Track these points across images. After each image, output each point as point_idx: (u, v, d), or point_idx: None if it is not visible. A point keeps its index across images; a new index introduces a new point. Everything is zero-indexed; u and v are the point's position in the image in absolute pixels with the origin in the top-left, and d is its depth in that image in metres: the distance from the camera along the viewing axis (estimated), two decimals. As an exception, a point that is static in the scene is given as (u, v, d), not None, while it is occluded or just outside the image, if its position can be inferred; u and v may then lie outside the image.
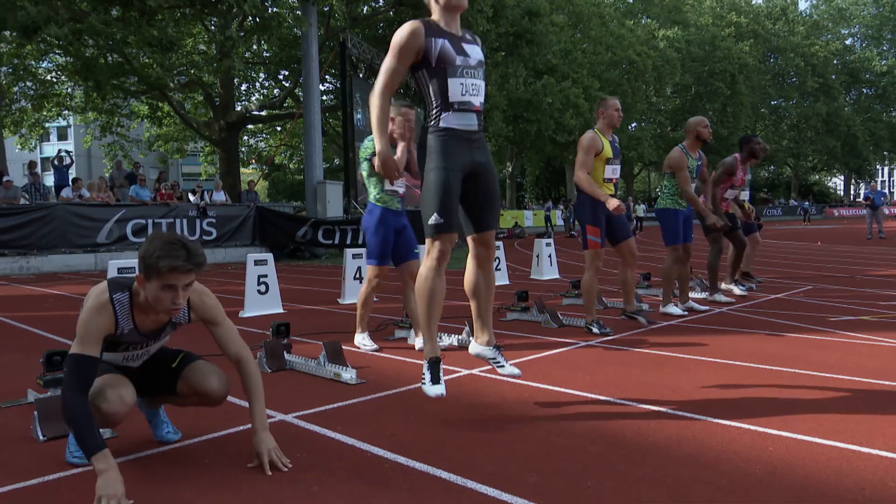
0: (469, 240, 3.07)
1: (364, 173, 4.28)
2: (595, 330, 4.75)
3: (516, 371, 3.02)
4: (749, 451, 2.38)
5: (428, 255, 2.90)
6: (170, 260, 2.06)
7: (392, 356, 4.15)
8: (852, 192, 63.93)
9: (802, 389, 3.20)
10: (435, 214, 2.82)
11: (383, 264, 4.30)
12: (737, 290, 6.74)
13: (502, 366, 3.02)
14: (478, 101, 2.89)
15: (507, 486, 2.09)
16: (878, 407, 2.90)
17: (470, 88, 2.85)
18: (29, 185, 12.92)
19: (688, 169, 5.53)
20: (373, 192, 4.25)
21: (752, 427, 2.64)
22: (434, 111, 2.85)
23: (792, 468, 2.22)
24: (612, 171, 4.77)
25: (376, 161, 2.87)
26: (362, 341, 4.43)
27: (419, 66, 2.84)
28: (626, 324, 5.04)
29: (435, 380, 2.80)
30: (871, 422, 2.69)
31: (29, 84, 19.73)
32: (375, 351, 4.34)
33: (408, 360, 4.00)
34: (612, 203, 4.52)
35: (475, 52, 2.91)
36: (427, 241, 2.91)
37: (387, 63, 2.81)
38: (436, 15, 2.89)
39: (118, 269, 4.89)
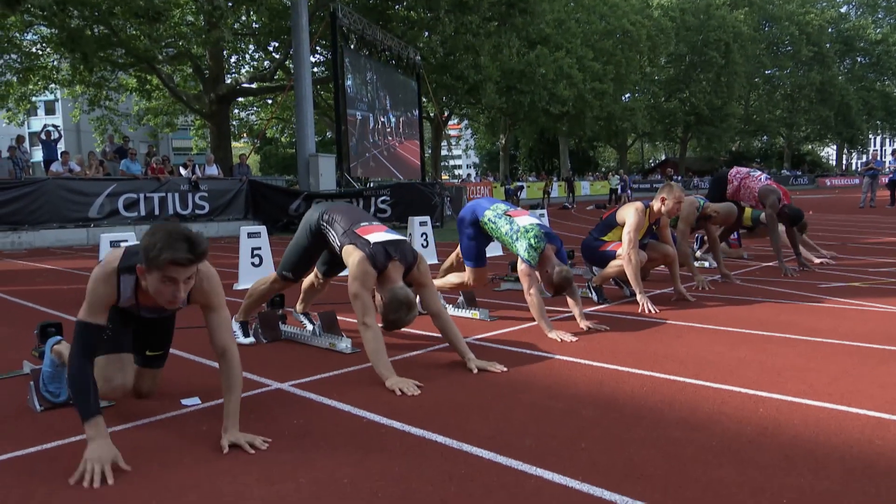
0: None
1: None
2: (594, 297, 4.79)
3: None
4: (740, 412, 2.42)
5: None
6: (171, 252, 2.03)
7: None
8: (844, 162, 63.94)
9: (793, 353, 3.24)
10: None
11: None
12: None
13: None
14: None
15: (502, 450, 2.12)
16: (866, 369, 2.94)
17: None
18: (7, 159, 12.72)
19: None
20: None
21: (743, 390, 2.68)
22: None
23: (782, 429, 2.26)
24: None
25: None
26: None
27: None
28: (617, 292, 5.07)
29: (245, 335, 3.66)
30: (859, 383, 2.73)
31: (14, 57, 19.28)
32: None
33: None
34: None
35: None
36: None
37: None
38: None
39: (110, 242, 4.86)
